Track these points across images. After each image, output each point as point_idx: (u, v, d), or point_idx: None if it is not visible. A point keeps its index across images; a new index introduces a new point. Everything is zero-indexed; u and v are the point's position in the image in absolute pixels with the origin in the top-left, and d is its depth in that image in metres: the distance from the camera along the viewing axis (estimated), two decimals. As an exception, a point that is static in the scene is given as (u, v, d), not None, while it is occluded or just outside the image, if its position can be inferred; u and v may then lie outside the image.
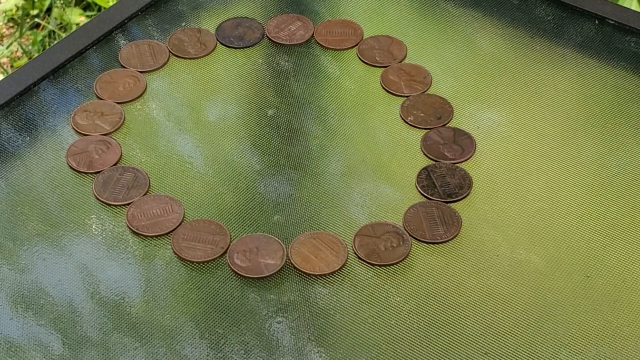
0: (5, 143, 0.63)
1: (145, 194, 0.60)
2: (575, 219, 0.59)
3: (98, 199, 0.60)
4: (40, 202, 0.60)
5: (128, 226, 0.58)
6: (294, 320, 0.54)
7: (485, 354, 0.52)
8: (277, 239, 0.57)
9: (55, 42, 1.01)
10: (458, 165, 0.62)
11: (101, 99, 0.66)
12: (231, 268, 0.56)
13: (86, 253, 0.57)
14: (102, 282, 0.56)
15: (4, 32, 1.24)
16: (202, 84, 0.68)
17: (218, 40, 0.71)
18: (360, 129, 0.65)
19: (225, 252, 0.57)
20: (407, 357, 0.52)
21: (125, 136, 0.64)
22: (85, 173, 0.61)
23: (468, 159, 0.62)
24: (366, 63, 0.69)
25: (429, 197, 0.60)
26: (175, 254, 0.57)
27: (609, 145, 0.63)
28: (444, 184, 0.60)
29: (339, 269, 0.56)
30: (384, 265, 0.56)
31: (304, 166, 0.62)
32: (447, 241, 0.57)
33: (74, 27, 1.20)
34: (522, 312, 0.54)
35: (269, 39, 0.71)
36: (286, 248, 0.57)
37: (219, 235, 0.58)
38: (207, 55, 0.70)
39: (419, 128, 0.64)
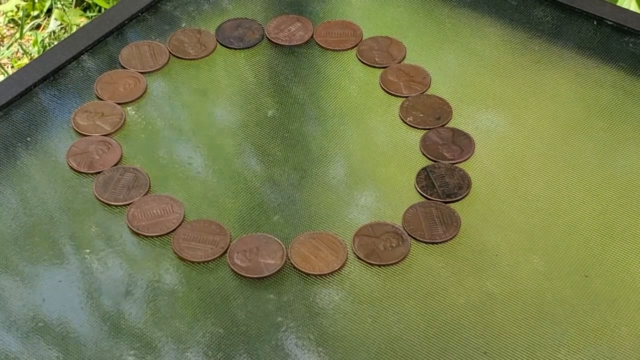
0: (6, 144, 0.64)
1: (145, 194, 0.60)
2: (573, 219, 0.59)
3: (98, 200, 0.60)
4: (41, 203, 0.60)
5: (128, 226, 0.59)
6: (293, 319, 0.54)
7: (484, 353, 0.53)
8: (277, 239, 0.58)
9: (56, 42, 1.02)
10: (457, 165, 0.62)
11: (102, 99, 0.66)
12: (231, 268, 0.56)
13: (87, 253, 0.57)
14: (103, 282, 0.56)
15: (5, 33, 1.24)
16: (202, 84, 0.68)
17: (218, 41, 0.71)
18: (360, 130, 0.65)
19: (226, 252, 0.57)
20: (406, 356, 0.53)
21: (125, 137, 0.64)
22: (86, 173, 0.62)
23: (467, 159, 0.62)
24: (365, 64, 0.69)
25: (428, 197, 0.60)
26: (176, 254, 0.57)
27: (608, 145, 0.63)
28: (443, 184, 0.60)
29: (338, 269, 0.56)
30: (384, 265, 0.57)
31: (304, 166, 0.63)
32: (446, 241, 0.58)
33: (75, 28, 1.20)
34: (521, 311, 0.54)
35: (269, 39, 0.71)
36: (286, 248, 0.57)
37: (219, 235, 0.58)
38: (207, 56, 0.70)
39: (418, 128, 0.64)
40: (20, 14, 1.24)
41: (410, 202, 0.60)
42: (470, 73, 0.68)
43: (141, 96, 0.67)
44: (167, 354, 0.53)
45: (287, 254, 0.57)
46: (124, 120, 0.65)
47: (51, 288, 0.56)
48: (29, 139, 0.64)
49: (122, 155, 0.63)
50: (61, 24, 1.22)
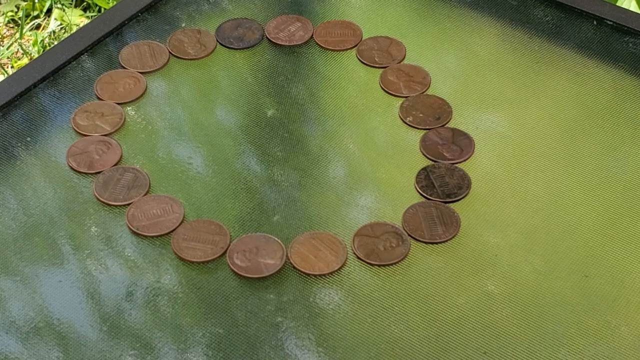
0: (6, 144, 0.64)
1: (145, 194, 0.60)
2: (573, 219, 0.59)
3: (98, 200, 0.60)
4: (41, 203, 0.60)
5: (128, 226, 0.59)
6: (293, 319, 0.54)
7: (484, 353, 0.53)
8: (276, 239, 0.58)
9: (56, 42, 1.02)
10: (457, 165, 0.62)
11: (101, 99, 0.66)
12: (231, 268, 0.56)
13: (87, 253, 0.57)
14: (103, 282, 0.56)
15: (5, 33, 1.24)
16: (202, 84, 0.68)
17: (218, 41, 0.71)
18: (360, 130, 0.65)
19: (225, 252, 0.57)
20: (406, 356, 0.53)
21: (125, 137, 0.64)
22: (86, 173, 0.62)
23: (467, 159, 0.62)
24: (365, 64, 0.69)
25: (428, 197, 0.60)
26: (175, 254, 0.57)
27: (608, 145, 0.63)
28: (443, 184, 0.60)
29: (338, 269, 0.56)
30: (383, 265, 0.57)
31: (304, 166, 0.63)
32: (446, 241, 0.58)
33: (75, 28, 1.20)
34: (521, 311, 0.54)
35: (269, 39, 0.71)
36: (286, 248, 0.57)
37: (218, 235, 0.58)
38: (207, 56, 0.70)
39: (418, 128, 0.64)
40: (20, 14, 1.24)
41: (410, 202, 0.60)
42: (470, 73, 0.68)
43: (141, 96, 0.67)
44: (166, 354, 0.53)
45: (286, 254, 0.57)
46: (124, 120, 0.65)
47: (51, 288, 0.56)
48: (28, 139, 0.64)
49: (122, 155, 0.63)
50: (61, 24, 1.22)
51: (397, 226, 0.58)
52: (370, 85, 0.68)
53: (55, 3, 1.25)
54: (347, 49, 0.70)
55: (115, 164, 0.62)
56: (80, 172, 0.62)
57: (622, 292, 0.55)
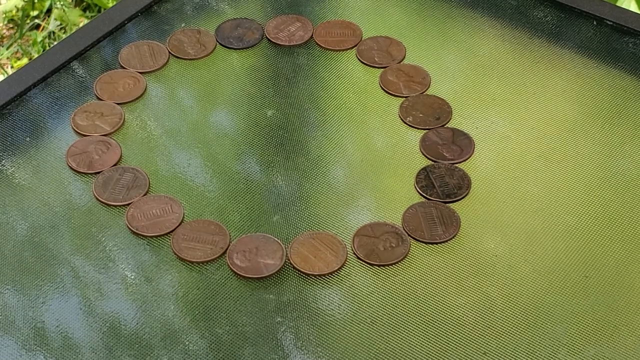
0: (6, 144, 0.64)
1: (145, 195, 0.60)
2: (573, 219, 0.59)
3: (98, 200, 0.60)
4: (40, 204, 0.60)
5: (128, 226, 0.58)
6: (293, 320, 0.54)
7: (484, 353, 0.53)
8: (276, 239, 0.58)
9: (55, 43, 1.02)
10: (457, 165, 0.62)
11: (101, 99, 0.66)
12: (230, 268, 0.56)
13: (86, 254, 0.57)
14: (102, 283, 0.56)
15: (4, 33, 1.24)
16: (202, 84, 0.68)
17: (217, 41, 0.71)
18: (359, 130, 0.65)
19: (225, 252, 0.57)
20: (405, 356, 0.53)
21: (125, 137, 0.64)
22: (85, 173, 0.62)
23: (467, 159, 0.62)
24: (365, 64, 0.69)
25: (428, 197, 0.60)
26: (175, 254, 0.57)
27: (608, 145, 0.63)
28: (443, 184, 0.60)
29: (338, 269, 0.56)
30: (383, 265, 0.57)
31: (303, 166, 0.63)
32: (446, 241, 0.58)
33: (74, 28, 1.20)
34: (521, 311, 0.54)
35: (269, 39, 0.71)
36: (285, 248, 0.57)
37: (218, 235, 0.58)
38: (206, 56, 0.70)
39: (418, 128, 0.64)
40: (20, 14, 1.24)
41: (410, 202, 0.60)
42: (470, 73, 0.68)
43: (140, 96, 0.67)
44: (166, 354, 0.53)
45: (286, 254, 0.57)
46: (124, 120, 0.65)
47: (50, 290, 0.56)
48: (28, 139, 0.64)
49: (121, 155, 0.63)
50: (61, 24, 1.22)
51: (397, 226, 0.58)
52: (370, 86, 0.68)
53: (55, 3, 1.25)
54: (347, 49, 0.70)
55: (115, 164, 0.62)
56: (79, 172, 0.62)
57: (622, 293, 0.55)
